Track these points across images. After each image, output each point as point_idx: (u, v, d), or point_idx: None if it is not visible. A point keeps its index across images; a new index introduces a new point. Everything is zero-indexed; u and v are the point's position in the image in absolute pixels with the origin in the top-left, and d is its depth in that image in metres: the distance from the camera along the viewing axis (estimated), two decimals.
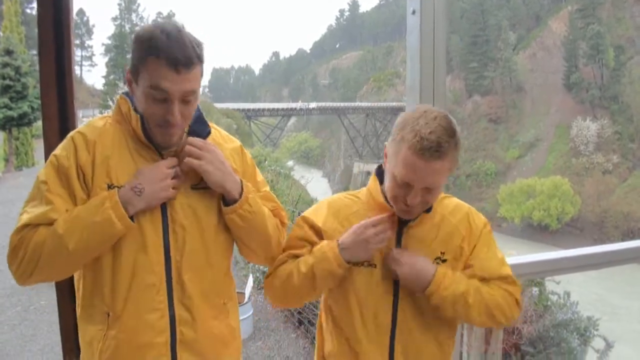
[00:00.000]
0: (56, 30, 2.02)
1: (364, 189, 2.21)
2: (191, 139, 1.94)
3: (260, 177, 2.33)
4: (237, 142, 2.25)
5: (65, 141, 1.88)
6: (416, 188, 1.87)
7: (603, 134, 61.58)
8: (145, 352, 1.92)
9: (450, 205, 2.16)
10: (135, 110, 1.89)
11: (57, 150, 1.88)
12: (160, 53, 1.74)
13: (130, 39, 1.84)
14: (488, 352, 2.95)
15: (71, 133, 1.90)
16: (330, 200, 2.25)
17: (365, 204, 2.14)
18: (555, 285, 5.69)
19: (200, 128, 2.04)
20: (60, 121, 2.10)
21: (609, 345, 5.17)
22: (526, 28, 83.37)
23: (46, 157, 2.03)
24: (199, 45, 1.83)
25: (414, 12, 2.40)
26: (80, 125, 1.95)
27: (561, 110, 69.81)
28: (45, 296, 8.92)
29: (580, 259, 3.26)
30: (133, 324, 1.90)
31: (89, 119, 1.99)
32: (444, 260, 2.05)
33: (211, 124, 2.11)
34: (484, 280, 2.05)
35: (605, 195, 55.95)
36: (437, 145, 1.82)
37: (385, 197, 2.03)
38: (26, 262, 1.80)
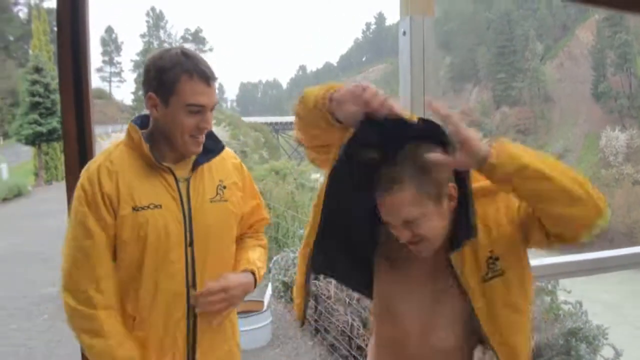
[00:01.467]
0: (74, 53, 2.17)
1: None
2: (205, 291, 2.10)
3: (255, 187, 2.55)
4: (237, 159, 2.45)
5: (87, 172, 2.04)
6: (397, 226, 1.75)
7: (632, 144, 60.75)
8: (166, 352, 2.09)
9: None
10: (145, 138, 2.06)
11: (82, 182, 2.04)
12: (192, 72, 1.96)
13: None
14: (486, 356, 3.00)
15: (92, 164, 2.05)
16: None
17: None
18: (567, 294, 5.74)
19: (212, 145, 2.24)
20: (78, 141, 2.24)
21: (617, 354, 5.22)
22: (553, 38, 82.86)
23: (67, 174, 2.23)
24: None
25: (404, 34, 2.54)
26: (98, 155, 2.11)
27: (590, 120, 69.17)
28: None
29: (588, 263, 3.34)
30: (157, 327, 2.07)
31: (114, 138, 2.15)
32: (497, 258, 1.76)
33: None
34: None
35: (635, 206, 55.16)
36: (391, 179, 1.72)
37: None
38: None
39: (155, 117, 2.05)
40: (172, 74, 1.95)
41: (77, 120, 2.20)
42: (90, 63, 2.22)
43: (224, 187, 2.24)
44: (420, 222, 1.72)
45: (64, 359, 7.02)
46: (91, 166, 2.05)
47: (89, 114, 2.22)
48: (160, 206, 2.03)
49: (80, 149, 2.23)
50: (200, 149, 2.11)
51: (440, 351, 1.84)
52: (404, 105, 2.62)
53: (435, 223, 1.74)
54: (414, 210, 1.70)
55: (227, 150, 2.40)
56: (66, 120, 2.15)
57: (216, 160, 2.26)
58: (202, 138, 2.08)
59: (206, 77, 1.99)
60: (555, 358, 4.99)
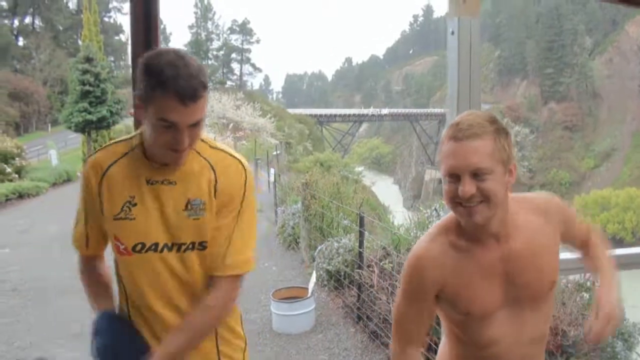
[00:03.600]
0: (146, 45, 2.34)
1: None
2: None
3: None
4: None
5: None
6: (464, 176, 1.74)
7: None
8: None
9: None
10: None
11: None
12: (168, 87, 1.77)
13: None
14: None
15: None
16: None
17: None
18: None
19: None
20: None
21: None
22: (602, 33, 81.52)
23: None
24: (202, 71, 1.86)
25: (452, 33, 2.71)
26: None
27: (638, 117, 68.01)
28: None
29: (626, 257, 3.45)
30: None
31: None
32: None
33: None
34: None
35: None
36: (469, 126, 1.75)
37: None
38: None
39: (140, 118, 1.94)
40: (150, 83, 1.79)
41: None
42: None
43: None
44: (488, 178, 1.74)
45: None
46: None
47: None
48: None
49: None
50: (181, 163, 1.96)
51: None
52: (451, 97, 2.79)
53: (499, 187, 1.77)
54: (487, 161, 1.73)
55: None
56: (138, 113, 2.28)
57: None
58: (183, 155, 1.92)
59: (182, 95, 1.78)
60: (591, 354, 5.04)
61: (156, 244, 1.96)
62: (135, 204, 1.96)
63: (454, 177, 1.75)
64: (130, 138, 2.05)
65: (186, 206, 1.97)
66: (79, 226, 2.17)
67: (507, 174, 1.80)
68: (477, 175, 1.73)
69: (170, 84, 1.76)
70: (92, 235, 2.15)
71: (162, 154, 1.91)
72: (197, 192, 1.98)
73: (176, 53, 1.83)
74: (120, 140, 2.08)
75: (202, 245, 1.98)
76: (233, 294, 2.04)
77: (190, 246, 1.98)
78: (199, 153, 2.01)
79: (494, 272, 1.87)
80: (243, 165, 2.07)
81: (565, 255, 3.50)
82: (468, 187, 1.72)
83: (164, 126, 1.82)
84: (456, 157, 1.74)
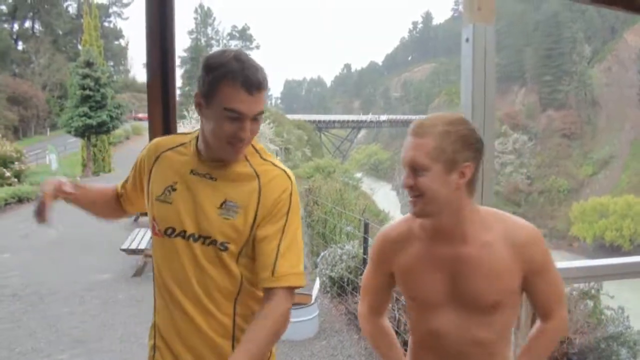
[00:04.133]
0: (162, 48, 2.33)
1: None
2: None
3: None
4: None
5: None
6: (405, 169, 1.92)
7: None
8: None
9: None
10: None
11: None
12: (236, 77, 1.87)
13: (206, 52, 2.03)
14: None
15: None
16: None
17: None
18: (609, 299, 5.78)
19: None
20: (163, 131, 2.40)
21: None
22: (601, 41, 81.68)
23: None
24: (263, 68, 1.97)
25: (467, 40, 2.71)
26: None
27: (637, 126, 68.09)
28: (123, 291, 9.47)
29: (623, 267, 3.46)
30: None
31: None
32: None
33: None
34: None
35: None
36: (421, 125, 1.91)
37: None
38: None
39: (201, 116, 2.01)
40: (217, 75, 1.89)
41: (163, 115, 2.35)
42: (175, 64, 2.38)
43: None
44: (424, 175, 1.87)
45: (115, 342, 7.27)
46: None
47: (174, 111, 2.37)
48: None
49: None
50: (239, 158, 2.04)
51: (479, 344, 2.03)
52: (465, 106, 2.78)
53: (436, 186, 1.87)
54: (424, 159, 1.86)
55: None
56: (152, 116, 2.30)
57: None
58: (242, 147, 2.00)
59: (249, 84, 1.89)
60: None
61: (184, 232, 2.03)
62: (175, 189, 2.06)
63: (404, 169, 1.93)
64: (192, 133, 2.16)
65: (221, 205, 2.03)
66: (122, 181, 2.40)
67: (453, 175, 1.88)
68: (415, 170, 1.88)
69: (238, 74, 1.88)
70: (124, 193, 2.39)
71: (220, 147, 1.99)
72: (236, 195, 2.04)
73: (239, 50, 1.96)
74: (185, 133, 2.21)
75: (224, 246, 2.02)
76: (288, 305, 2.05)
77: (214, 242, 2.02)
78: (248, 161, 2.09)
79: (442, 267, 1.99)
80: (289, 177, 2.11)
81: (570, 264, 3.52)
82: (405, 180, 1.92)
83: (229, 117, 1.91)
84: (404, 151, 1.93)
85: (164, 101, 2.36)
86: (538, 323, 2.14)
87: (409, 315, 2.24)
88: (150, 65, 2.27)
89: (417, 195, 1.90)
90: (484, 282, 1.95)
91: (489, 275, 1.94)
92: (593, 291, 5.67)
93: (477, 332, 2.00)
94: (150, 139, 2.37)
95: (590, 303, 5.61)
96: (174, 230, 2.04)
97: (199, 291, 2.04)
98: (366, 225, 7.35)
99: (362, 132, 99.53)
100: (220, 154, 2.02)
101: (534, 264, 1.97)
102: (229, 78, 1.88)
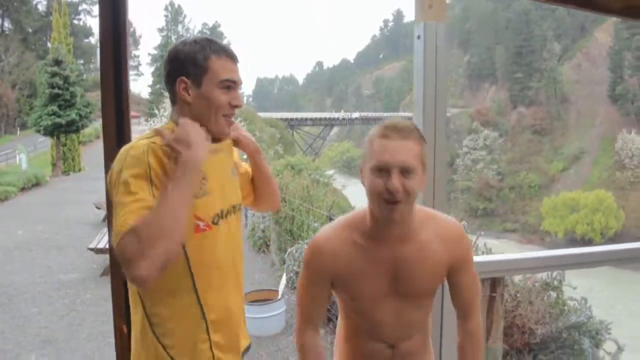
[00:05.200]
0: (115, 57, 2.34)
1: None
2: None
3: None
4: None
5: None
6: (393, 172, 1.89)
7: None
8: None
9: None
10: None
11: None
12: (221, 52, 2.05)
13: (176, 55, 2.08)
14: (489, 342, 3.18)
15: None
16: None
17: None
18: (573, 291, 5.87)
19: None
20: (117, 132, 2.39)
21: (620, 349, 5.35)
22: (571, 38, 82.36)
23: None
24: None
25: (419, 37, 2.77)
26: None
27: (606, 122, 68.78)
28: (91, 290, 9.44)
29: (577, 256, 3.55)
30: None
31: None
32: None
33: None
34: None
35: None
36: (399, 127, 1.94)
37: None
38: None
39: (187, 101, 2.05)
40: (202, 55, 2.02)
41: (116, 118, 2.37)
42: (128, 64, 2.40)
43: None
44: (412, 177, 1.92)
45: (83, 342, 7.26)
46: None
47: (128, 113, 2.39)
48: None
49: (117, 138, 2.39)
50: (231, 127, 2.18)
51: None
52: (417, 102, 2.84)
53: (417, 188, 1.95)
54: (413, 161, 1.92)
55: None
56: (106, 120, 2.31)
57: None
58: (233, 118, 2.15)
59: (232, 55, 2.09)
60: (558, 351, 5.12)
61: (222, 210, 2.13)
62: (205, 178, 2.05)
63: (384, 172, 1.91)
64: (162, 127, 2.08)
65: (232, 171, 2.28)
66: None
67: (424, 178, 2.02)
68: (404, 172, 1.90)
69: (221, 50, 2.07)
70: None
71: (215, 122, 2.09)
72: (232, 159, 2.32)
73: (202, 35, 2.16)
74: (150, 133, 2.06)
75: (239, 207, 2.29)
76: None
77: (239, 206, 2.27)
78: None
79: (384, 269, 2.08)
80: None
81: (531, 254, 3.60)
82: (397, 182, 1.89)
83: (225, 87, 2.06)
84: (389, 153, 1.91)
85: (118, 103, 2.37)
86: (461, 327, 2.31)
87: (343, 309, 2.27)
88: (103, 63, 2.30)
89: (401, 198, 1.91)
90: (423, 276, 2.11)
91: (427, 270, 2.10)
92: (555, 282, 5.74)
93: (412, 315, 2.18)
94: (105, 138, 2.37)
95: (553, 294, 5.68)
96: (219, 216, 2.11)
97: (239, 266, 2.26)
98: (331, 221, 7.39)
99: (335, 129, 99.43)
100: (214, 130, 2.09)
101: (460, 257, 2.17)
102: (216, 54, 2.05)
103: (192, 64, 2.03)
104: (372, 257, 2.07)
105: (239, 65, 2.13)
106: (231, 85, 2.07)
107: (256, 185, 2.52)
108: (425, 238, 2.08)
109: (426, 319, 2.27)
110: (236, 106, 2.11)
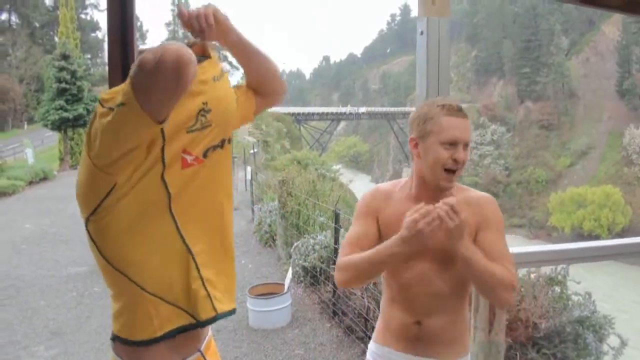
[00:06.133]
0: (122, 52, 2.37)
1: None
2: None
3: None
4: None
5: None
6: (460, 145, 2.19)
7: None
8: None
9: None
10: None
11: None
12: None
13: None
14: (492, 334, 3.20)
15: None
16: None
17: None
18: (576, 285, 5.88)
19: None
20: None
21: (623, 343, 5.37)
22: (579, 32, 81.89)
23: None
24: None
25: (422, 33, 2.79)
26: None
27: (614, 117, 68.46)
28: (99, 284, 9.49)
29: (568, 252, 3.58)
30: None
31: None
32: None
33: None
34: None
35: None
36: (459, 107, 2.24)
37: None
38: None
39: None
40: None
41: None
42: (135, 58, 2.42)
43: None
44: (467, 151, 2.23)
45: (91, 334, 7.30)
46: None
47: None
48: None
49: None
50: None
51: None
52: (419, 97, 2.87)
53: None
54: (470, 137, 2.24)
55: None
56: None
57: None
58: None
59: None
60: (562, 345, 5.14)
61: (215, 143, 1.88)
62: (210, 110, 1.83)
63: (453, 145, 2.18)
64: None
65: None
66: None
67: None
68: (465, 146, 2.20)
69: None
70: None
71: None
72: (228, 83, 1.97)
73: None
74: None
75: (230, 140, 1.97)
76: None
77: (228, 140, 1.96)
78: None
79: None
80: None
81: (535, 248, 3.63)
82: (464, 155, 2.20)
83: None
84: (459, 129, 2.19)
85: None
86: None
87: (384, 275, 2.46)
88: (111, 58, 2.32)
89: (459, 168, 2.21)
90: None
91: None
92: (560, 277, 5.75)
93: (437, 284, 2.32)
94: None
95: (557, 289, 5.69)
96: (212, 148, 1.87)
97: (227, 211, 2.00)
98: (337, 216, 7.41)
99: (342, 124, 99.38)
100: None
101: (484, 218, 2.32)
102: None
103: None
104: (413, 207, 2.16)
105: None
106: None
107: (250, 68, 2.17)
108: (456, 199, 2.16)
109: (452, 301, 2.37)
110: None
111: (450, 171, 2.19)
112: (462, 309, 2.43)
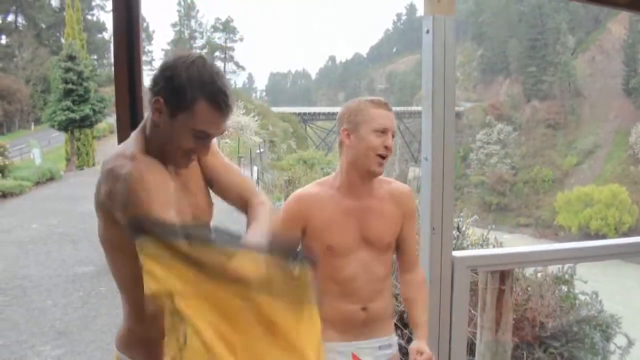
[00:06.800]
0: (129, 52, 2.38)
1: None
2: None
3: None
4: None
5: None
6: (389, 133, 2.43)
7: None
8: None
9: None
10: None
11: None
12: (214, 98, 1.77)
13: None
14: (498, 334, 3.20)
15: None
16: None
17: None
18: (584, 285, 5.87)
19: None
20: (131, 126, 2.35)
21: (630, 343, 5.36)
22: (585, 31, 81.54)
23: None
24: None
25: (427, 32, 2.79)
26: None
27: (620, 116, 68.28)
28: (105, 283, 9.49)
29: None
30: None
31: None
32: None
33: None
34: None
35: None
36: (387, 102, 2.50)
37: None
38: None
39: (156, 122, 1.84)
40: (191, 94, 1.74)
41: (130, 114, 2.40)
42: (141, 59, 2.43)
43: None
44: (394, 140, 2.49)
45: (97, 333, 7.31)
46: None
47: (141, 108, 2.42)
48: None
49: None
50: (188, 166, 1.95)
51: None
52: (426, 96, 2.87)
53: None
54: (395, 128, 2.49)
55: None
56: (120, 115, 2.34)
57: None
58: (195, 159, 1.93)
59: (225, 106, 1.79)
60: (569, 344, 5.13)
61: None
62: None
63: (384, 133, 2.42)
64: None
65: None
66: None
67: None
68: (392, 135, 2.45)
69: (216, 95, 1.76)
70: None
71: (173, 157, 1.88)
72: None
73: (209, 66, 1.82)
74: None
75: None
76: None
77: None
78: None
79: (352, 217, 2.49)
80: None
81: (541, 247, 3.63)
82: (390, 142, 2.44)
83: (196, 136, 1.80)
84: (389, 119, 2.45)
85: (131, 98, 2.39)
86: (408, 279, 2.66)
87: (323, 269, 2.31)
88: (117, 59, 2.33)
89: (388, 154, 2.44)
90: (383, 226, 2.53)
91: (385, 221, 2.54)
92: (567, 276, 5.75)
93: (377, 270, 2.54)
94: (119, 133, 2.40)
95: (564, 288, 5.68)
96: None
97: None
98: None
99: None
100: (172, 163, 1.91)
101: (408, 212, 2.61)
102: (207, 100, 1.74)
103: (176, 94, 1.76)
104: (342, 207, 2.49)
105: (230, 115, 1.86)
106: (205, 136, 1.83)
107: None
108: (382, 195, 2.56)
109: (387, 281, 2.62)
110: (200, 154, 1.93)
111: (382, 157, 2.43)
112: (390, 285, 2.71)
